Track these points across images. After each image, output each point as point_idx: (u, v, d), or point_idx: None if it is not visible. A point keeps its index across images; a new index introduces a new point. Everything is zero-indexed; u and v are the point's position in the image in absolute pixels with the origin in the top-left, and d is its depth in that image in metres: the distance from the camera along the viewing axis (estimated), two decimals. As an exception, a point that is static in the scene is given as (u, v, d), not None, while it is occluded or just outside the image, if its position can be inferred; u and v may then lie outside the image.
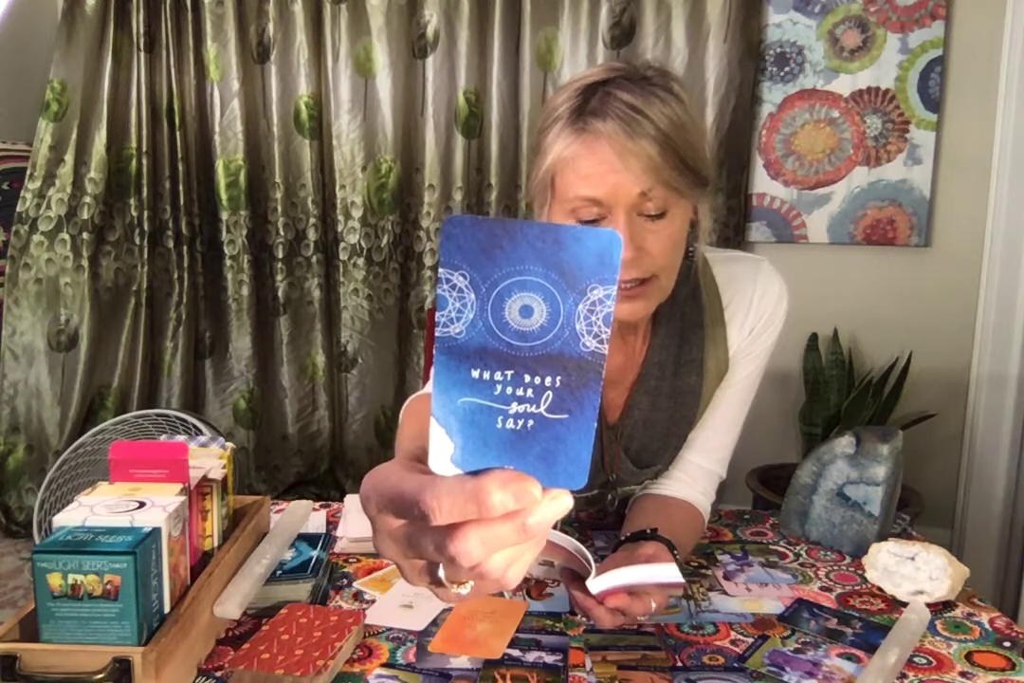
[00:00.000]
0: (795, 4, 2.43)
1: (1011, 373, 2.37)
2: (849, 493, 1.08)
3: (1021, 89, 2.30)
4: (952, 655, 0.83)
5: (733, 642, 0.86)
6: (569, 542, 0.75)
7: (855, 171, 2.46)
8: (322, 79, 2.62)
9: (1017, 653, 0.83)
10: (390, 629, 0.87)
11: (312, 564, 0.94)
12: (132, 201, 2.66)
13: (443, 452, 0.35)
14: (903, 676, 0.79)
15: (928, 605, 0.90)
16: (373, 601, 0.93)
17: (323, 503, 1.21)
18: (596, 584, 0.79)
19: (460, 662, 0.81)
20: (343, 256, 2.69)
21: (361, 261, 2.67)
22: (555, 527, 1.08)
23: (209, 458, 0.89)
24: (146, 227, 2.65)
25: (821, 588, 0.98)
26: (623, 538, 0.94)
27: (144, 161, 2.62)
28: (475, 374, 0.35)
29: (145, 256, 2.67)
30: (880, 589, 0.97)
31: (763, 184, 2.53)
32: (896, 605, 0.94)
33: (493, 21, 2.49)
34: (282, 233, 2.68)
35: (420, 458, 0.37)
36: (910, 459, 1.34)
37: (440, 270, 0.34)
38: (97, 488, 0.79)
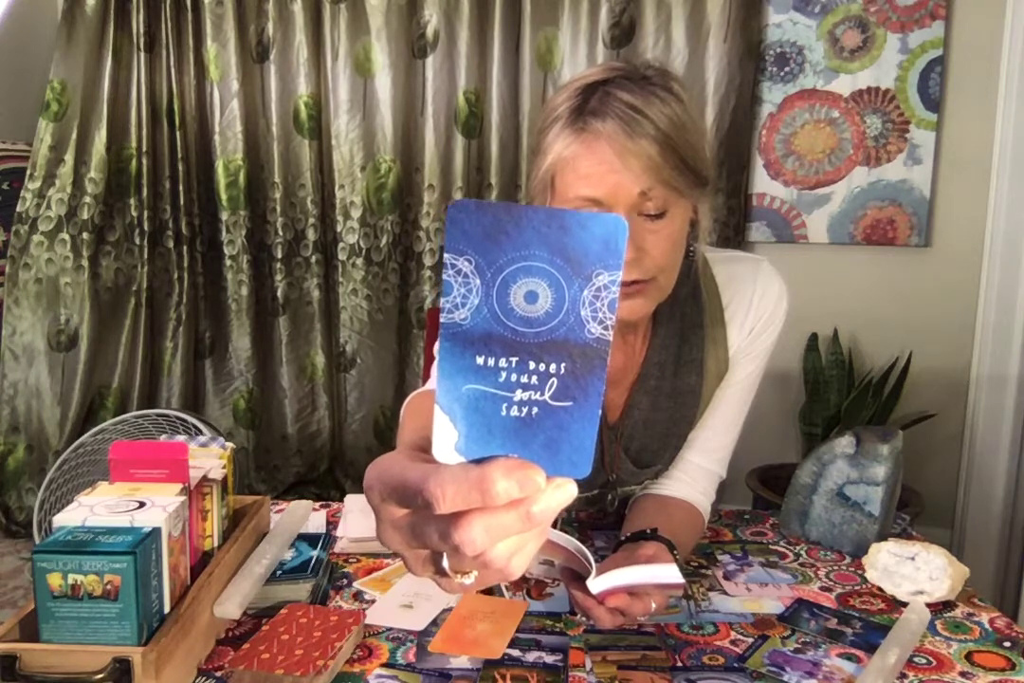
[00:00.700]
0: (795, 4, 2.43)
1: (1011, 373, 2.37)
2: (849, 493, 1.08)
3: (1021, 89, 2.30)
4: (952, 655, 0.83)
5: (733, 642, 0.86)
6: (569, 542, 0.75)
7: (855, 171, 2.46)
8: (321, 79, 2.62)
9: (1017, 653, 0.83)
10: (390, 629, 0.87)
11: (312, 564, 0.94)
12: (132, 201, 2.66)
13: (447, 440, 0.35)
14: (903, 676, 0.79)
15: (928, 605, 0.90)
16: (373, 601, 0.93)
17: (323, 503, 1.21)
18: (596, 584, 0.78)
19: (460, 662, 0.81)
20: (342, 256, 2.69)
21: (360, 261, 2.67)
22: (555, 527, 1.08)
23: (209, 458, 0.89)
24: (146, 227, 2.65)
25: (821, 588, 0.98)
26: (623, 538, 0.94)
27: (144, 161, 2.62)
28: (480, 361, 0.34)
29: (145, 256, 2.67)
30: (880, 589, 0.97)
31: (763, 184, 2.53)
32: (896, 605, 0.94)
33: (493, 21, 2.49)
34: (281, 233, 2.68)
35: (423, 448, 0.37)
36: (910, 459, 1.34)
37: (445, 255, 0.34)
38: (97, 488, 0.79)
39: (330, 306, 2.74)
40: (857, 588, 0.98)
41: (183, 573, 0.78)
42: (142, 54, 2.59)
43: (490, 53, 2.51)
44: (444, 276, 0.34)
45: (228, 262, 2.72)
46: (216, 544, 0.87)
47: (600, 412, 0.35)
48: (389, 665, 0.80)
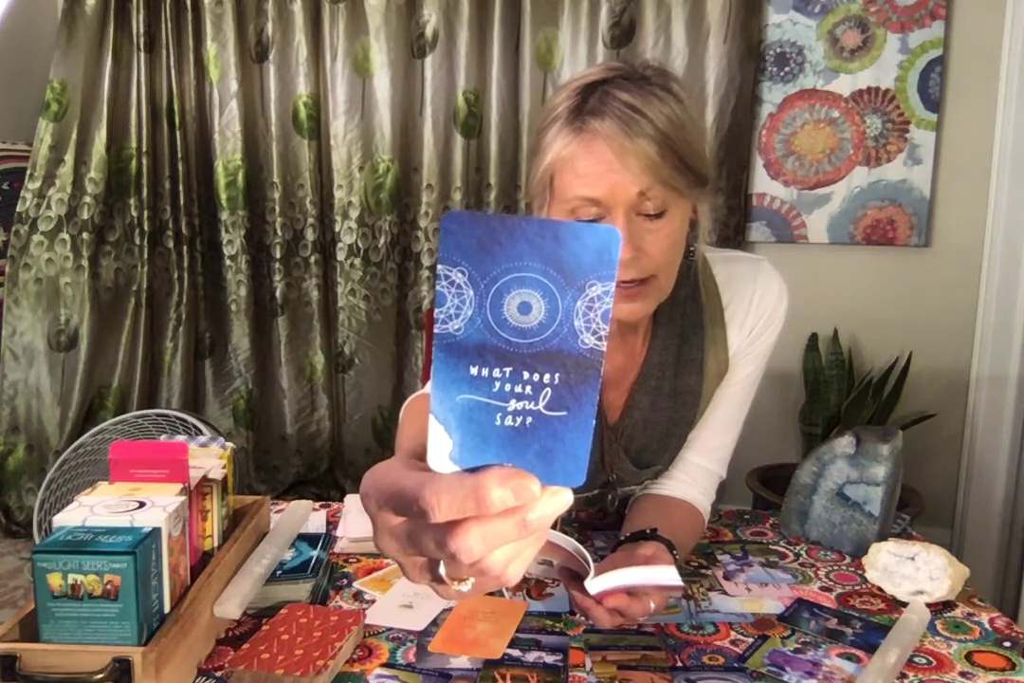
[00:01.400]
0: (795, 4, 2.43)
1: (1011, 373, 2.37)
2: (849, 493, 1.08)
3: (1021, 89, 2.30)
4: (952, 655, 0.83)
5: (733, 642, 0.85)
6: (568, 542, 0.75)
7: (855, 171, 2.46)
8: (320, 79, 2.62)
9: (1017, 653, 0.83)
10: (390, 629, 0.87)
11: (312, 564, 0.94)
12: (132, 201, 2.66)
13: (442, 449, 0.35)
14: (903, 676, 0.79)
15: (928, 605, 0.90)
16: (373, 601, 0.93)
17: (323, 503, 1.21)
18: (595, 585, 0.78)
19: (460, 662, 0.81)
20: (340, 256, 2.69)
21: (358, 261, 2.67)
22: (555, 527, 1.08)
23: (209, 458, 0.89)
24: (146, 227, 2.65)
25: (821, 588, 0.98)
26: (623, 538, 0.94)
27: (144, 161, 2.62)
28: (474, 371, 0.35)
29: (145, 256, 2.67)
30: (880, 589, 0.97)
31: (763, 184, 2.53)
32: (896, 605, 0.94)
33: (493, 21, 2.49)
34: (280, 233, 2.68)
35: (420, 456, 0.37)
36: (910, 459, 1.34)
37: (439, 266, 0.34)
38: (97, 488, 0.79)
39: (329, 306, 2.74)
40: (857, 588, 0.98)
41: (183, 573, 0.78)
42: (142, 54, 2.59)
43: (489, 53, 2.51)
44: (438, 287, 0.34)
45: (227, 262, 2.72)
46: (216, 544, 0.87)
47: (594, 422, 0.35)
48: (389, 665, 0.80)
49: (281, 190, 2.66)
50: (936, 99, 2.39)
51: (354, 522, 1.09)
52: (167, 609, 0.74)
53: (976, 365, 2.46)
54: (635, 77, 0.84)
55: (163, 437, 1.06)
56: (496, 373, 0.35)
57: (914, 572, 0.93)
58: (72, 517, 0.72)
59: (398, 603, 0.92)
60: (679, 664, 0.81)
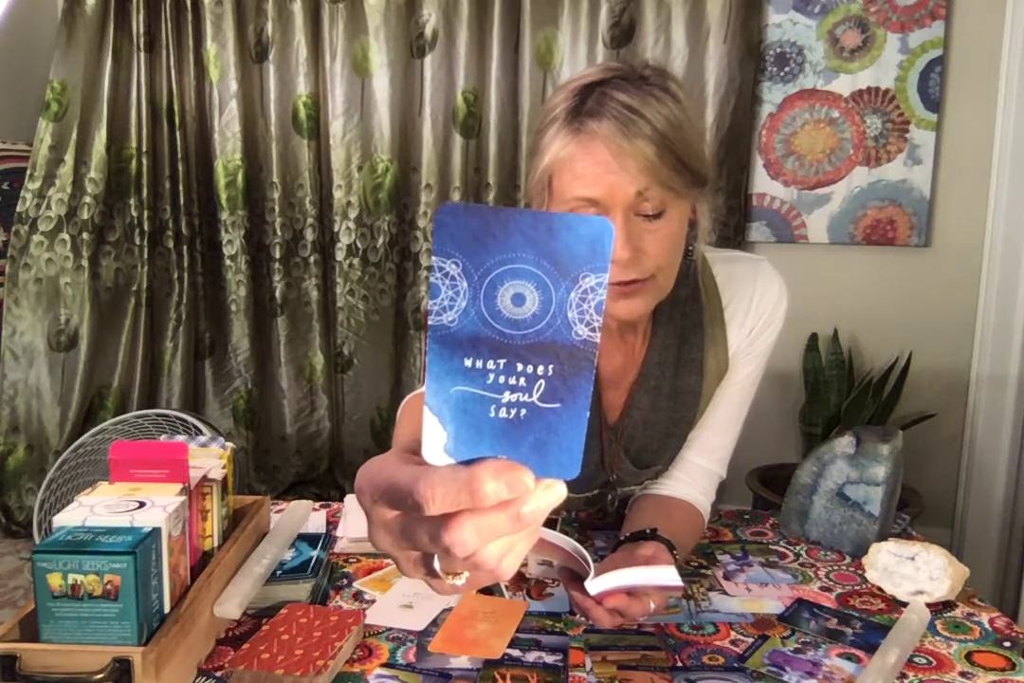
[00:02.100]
0: (795, 4, 2.43)
1: (1011, 373, 2.37)
2: (849, 493, 1.08)
3: (1021, 89, 2.30)
4: (952, 655, 0.83)
5: (733, 642, 0.85)
6: (567, 543, 0.75)
7: (855, 171, 2.46)
8: (320, 79, 2.62)
9: (1017, 653, 0.83)
10: (390, 629, 0.87)
11: (312, 564, 0.94)
12: (132, 201, 2.66)
13: (436, 441, 0.35)
14: (903, 676, 0.79)
15: (928, 605, 0.90)
16: (373, 601, 0.93)
17: (323, 503, 1.21)
18: (594, 585, 0.78)
19: (460, 662, 0.81)
20: (339, 256, 2.68)
21: (357, 262, 2.67)
22: (555, 527, 1.08)
23: (209, 458, 0.89)
24: (146, 227, 2.65)
25: (821, 588, 0.98)
26: (623, 538, 0.94)
27: (144, 161, 2.62)
28: (468, 363, 0.35)
29: (145, 256, 2.67)
30: (880, 589, 0.97)
31: (763, 184, 2.53)
32: (896, 605, 0.94)
33: (492, 20, 2.49)
34: (279, 233, 2.68)
35: (415, 451, 0.37)
36: (910, 459, 1.34)
37: (432, 258, 0.34)
38: (97, 488, 0.79)
39: (328, 306, 2.74)
40: (857, 588, 0.98)
41: (183, 573, 0.78)
42: (142, 54, 2.59)
43: (489, 53, 2.51)
44: (432, 279, 0.34)
45: (227, 262, 2.72)
46: (216, 544, 0.87)
47: (588, 414, 0.35)
48: (389, 665, 0.80)
49: (280, 190, 2.66)
50: (936, 99, 2.39)
51: (354, 522, 1.09)
52: (167, 609, 0.74)
53: (976, 365, 2.46)
54: (633, 78, 0.84)
55: (163, 437, 1.06)
56: (490, 365, 0.35)
57: (914, 572, 0.94)
58: (72, 517, 0.72)
59: (398, 603, 0.92)
60: (679, 664, 0.81)
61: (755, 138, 2.51)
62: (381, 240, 2.65)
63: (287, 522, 1.00)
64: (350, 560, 1.03)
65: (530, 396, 0.35)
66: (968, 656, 0.83)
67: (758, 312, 1.02)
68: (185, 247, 2.68)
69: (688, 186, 0.84)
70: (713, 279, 1.02)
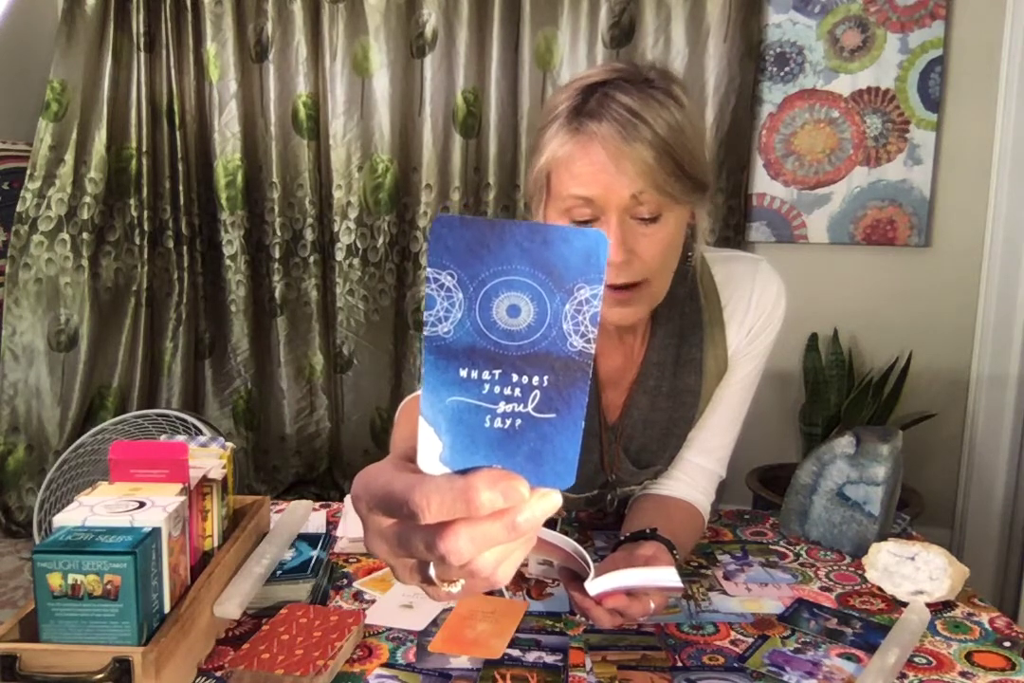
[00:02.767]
0: (795, 4, 2.43)
1: (1011, 373, 2.37)
2: (849, 493, 1.08)
3: (1021, 89, 2.30)
4: (952, 655, 0.83)
5: (733, 642, 0.85)
6: (567, 543, 0.75)
7: (855, 171, 2.46)
8: (320, 78, 2.62)
9: (1017, 653, 0.83)
10: (390, 629, 0.87)
11: (312, 564, 0.94)
12: (132, 201, 2.66)
13: (432, 451, 0.36)
14: (903, 676, 0.79)
15: (928, 605, 0.90)
16: (373, 601, 0.93)
17: (323, 503, 1.21)
18: (594, 586, 0.78)
19: (460, 662, 0.81)
20: (339, 256, 2.68)
21: (357, 262, 2.67)
22: (555, 527, 1.08)
23: (209, 458, 0.89)
24: (146, 227, 2.65)
25: (821, 588, 0.98)
26: (622, 538, 0.94)
27: (144, 161, 2.62)
28: (463, 373, 0.35)
29: (145, 256, 2.67)
30: (880, 589, 0.97)
31: (763, 184, 2.53)
32: (896, 605, 0.94)
33: (492, 20, 2.49)
34: (279, 233, 2.68)
35: (411, 458, 0.37)
36: (910, 459, 1.34)
37: (428, 270, 0.34)
38: (97, 488, 0.79)
39: (328, 307, 2.74)
40: (857, 588, 0.98)
41: (183, 573, 0.78)
42: (142, 54, 2.59)
43: (489, 52, 2.51)
44: (427, 290, 0.34)
45: (227, 262, 2.72)
46: (216, 544, 0.87)
47: (583, 424, 0.35)
48: (389, 665, 0.80)
49: (280, 190, 2.66)
50: (936, 99, 2.39)
51: (354, 522, 1.09)
52: (167, 609, 0.74)
53: (976, 365, 2.46)
54: (637, 80, 0.84)
55: (163, 437, 1.06)
56: (485, 375, 0.35)
57: (914, 572, 0.94)
58: (72, 517, 0.72)
59: (398, 603, 0.92)
60: (679, 664, 0.81)
61: (755, 138, 2.51)
62: (381, 240, 2.65)
63: (287, 522, 1.00)
64: (350, 560, 1.03)
65: (525, 406, 0.35)
66: (968, 656, 0.83)
67: (757, 312, 1.02)
68: (185, 247, 2.68)
69: (687, 192, 0.84)
70: (712, 279, 1.02)
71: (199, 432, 2.11)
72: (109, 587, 0.67)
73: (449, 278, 0.34)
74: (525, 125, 2.52)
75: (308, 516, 1.07)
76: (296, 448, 2.78)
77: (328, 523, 1.14)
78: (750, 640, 0.86)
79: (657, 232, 0.85)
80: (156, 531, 0.71)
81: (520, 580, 0.98)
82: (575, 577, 0.81)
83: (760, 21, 2.44)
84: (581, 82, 0.85)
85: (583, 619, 0.89)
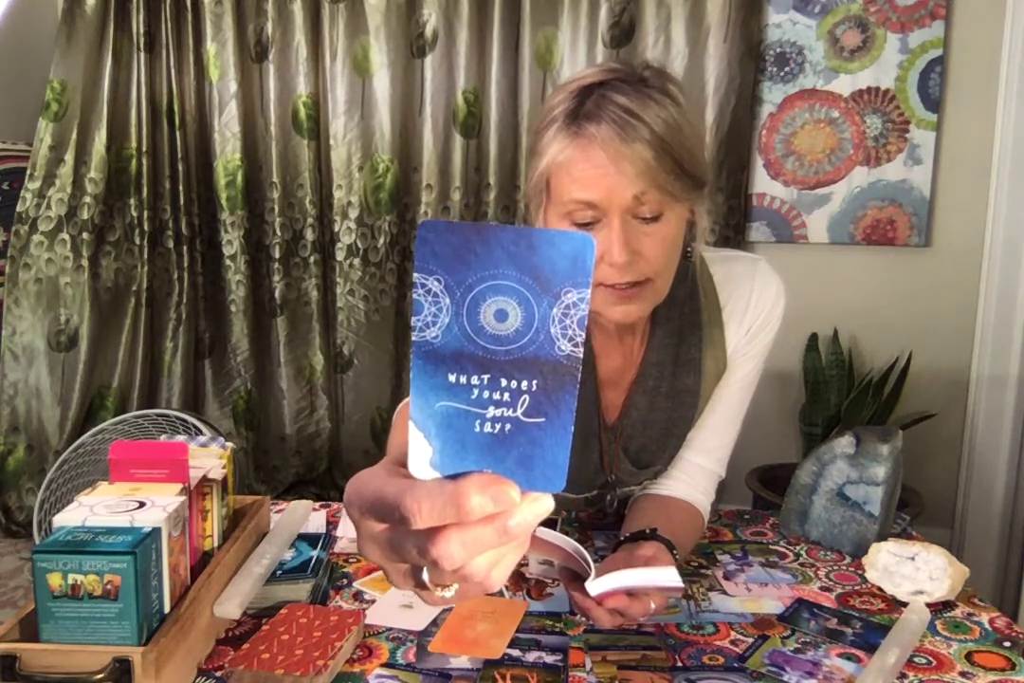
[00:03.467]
0: (795, 4, 2.43)
1: (1011, 373, 2.37)
2: (849, 493, 1.08)
3: (1021, 89, 2.30)
4: (952, 655, 0.83)
5: (733, 642, 0.85)
6: (567, 543, 0.75)
7: (855, 171, 2.46)
8: (320, 79, 2.62)
9: (1017, 653, 0.83)
10: (390, 629, 0.87)
11: (312, 564, 0.94)
12: (132, 201, 2.66)
13: (422, 456, 0.36)
14: (903, 676, 0.79)
15: (928, 605, 0.90)
16: (373, 601, 0.93)
17: (323, 503, 1.21)
18: (594, 586, 0.78)
19: (460, 662, 0.81)
20: (339, 256, 2.68)
21: (357, 262, 2.67)
22: (555, 527, 1.08)
23: (209, 458, 0.89)
24: (146, 227, 2.65)
25: (821, 588, 0.98)
26: (622, 538, 0.94)
27: (144, 161, 2.62)
28: (452, 378, 0.35)
29: (145, 256, 2.66)
30: (880, 589, 0.97)
31: (763, 184, 2.53)
32: (896, 605, 0.94)
33: (492, 20, 2.49)
34: (279, 233, 2.68)
35: (404, 463, 0.37)
36: (910, 459, 1.34)
37: (415, 275, 0.34)
38: (97, 488, 0.79)
39: (328, 307, 2.74)
40: (857, 588, 0.98)
41: (183, 573, 0.78)
42: (142, 54, 2.59)
43: (489, 52, 2.51)
44: (414, 295, 0.34)
45: (227, 262, 2.72)
46: (216, 544, 0.87)
47: (572, 428, 0.35)
48: (389, 665, 0.80)
49: (280, 190, 2.66)
50: (936, 99, 2.39)
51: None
52: (167, 609, 0.74)
53: (976, 365, 2.46)
54: (633, 79, 0.84)
55: (163, 437, 1.06)
56: (474, 380, 0.35)
57: (914, 572, 0.94)
58: (72, 517, 0.72)
59: (398, 603, 0.92)
60: (679, 664, 0.81)
61: (755, 138, 2.51)
62: (382, 240, 2.65)
63: (287, 522, 1.00)
64: (350, 560, 1.03)
65: (514, 411, 0.35)
66: (968, 656, 0.83)
67: (756, 311, 1.02)
68: (185, 247, 2.68)
69: (686, 190, 0.84)
70: (711, 279, 1.02)
71: (199, 432, 2.11)
72: (109, 587, 0.67)
73: (436, 283, 0.34)
74: (525, 125, 2.52)
75: (308, 516, 1.07)
76: (296, 448, 2.78)
77: (328, 523, 1.14)
78: (750, 640, 0.86)
79: (659, 231, 0.85)
80: (156, 531, 0.71)
81: (520, 580, 0.98)
82: (575, 577, 0.81)
83: (760, 21, 2.44)
84: (577, 83, 0.85)
85: (583, 619, 0.89)
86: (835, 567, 1.04)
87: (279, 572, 0.91)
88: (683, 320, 1.01)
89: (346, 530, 1.09)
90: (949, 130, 2.42)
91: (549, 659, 0.81)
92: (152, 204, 2.66)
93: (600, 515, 1.17)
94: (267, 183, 2.67)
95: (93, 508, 0.73)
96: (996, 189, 2.39)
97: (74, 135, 2.58)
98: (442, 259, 0.34)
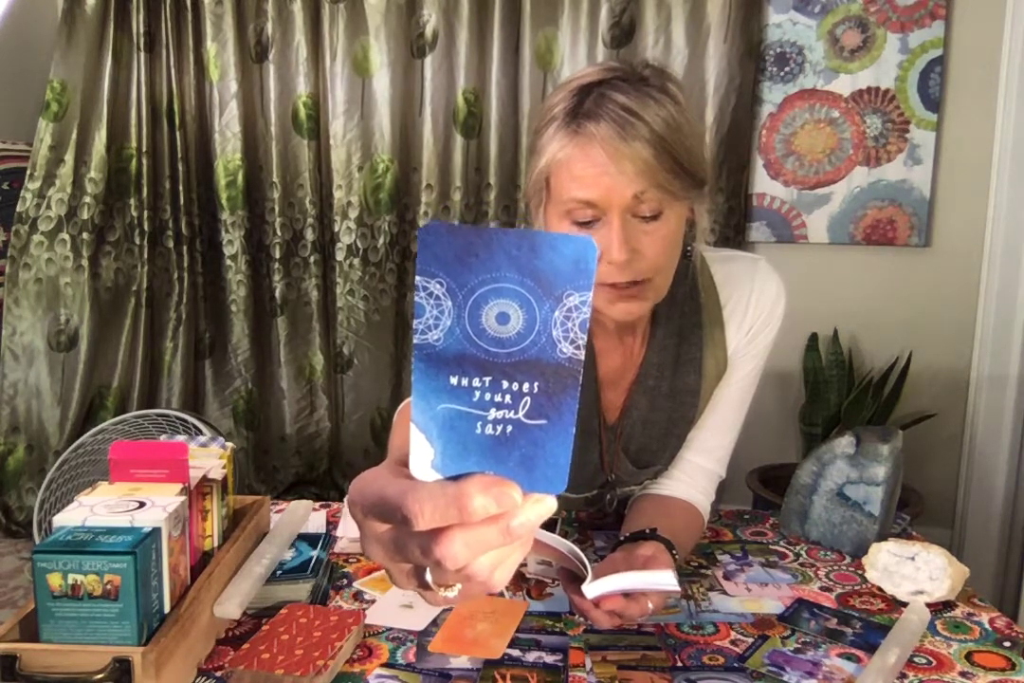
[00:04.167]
0: (795, 4, 2.43)
1: (1011, 373, 2.37)
2: (849, 493, 1.08)
3: (1021, 89, 2.30)
4: (952, 655, 0.83)
5: (733, 642, 0.85)
6: (564, 545, 0.75)
7: (855, 171, 2.46)
8: (320, 79, 2.62)
9: (1017, 653, 0.83)
10: (390, 629, 0.87)
11: (312, 564, 0.94)
12: (132, 201, 2.66)
13: (424, 458, 0.36)
14: (903, 676, 0.79)
15: (928, 605, 0.90)
16: (373, 601, 0.93)
17: (323, 503, 1.21)
18: (591, 590, 0.78)
19: (460, 662, 0.81)
20: (339, 256, 2.68)
21: (357, 262, 2.67)
22: (555, 528, 1.08)
23: (209, 458, 0.89)
24: (146, 227, 2.65)
25: (821, 588, 0.98)
26: (622, 538, 0.94)
27: (144, 161, 2.62)
28: (454, 381, 0.35)
29: (145, 256, 2.66)
30: (880, 589, 0.97)
31: (763, 184, 2.53)
32: (896, 605, 0.94)
33: (492, 20, 2.49)
34: (279, 233, 2.68)
35: (406, 463, 0.37)
36: (910, 459, 1.34)
37: (417, 278, 0.34)
38: (97, 488, 0.79)
39: (328, 307, 2.74)
40: (857, 588, 0.98)
41: (183, 573, 0.78)
42: (142, 54, 2.59)
43: (489, 52, 2.51)
44: (416, 298, 0.34)
45: (227, 262, 2.72)
46: (216, 544, 0.87)
47: (574, 430, 0.35)
48: (389, 665, 0.80)
49: (281, 190, 2.66)
50: (936, 99, 2.39)
51: (354, 522, 1.09)
52: (167, 609, 0.74)
53: (976, 365, 2.46)
54: (633, 78, 0.84)
55: (163, 437, 1.06)
56: (476, 383, 0.35)
57: (914, 572, 0.94)
58: (72, 517, 0.72)
59: (398, 603, 0.92)
60: (679, 664, 0.81)
61: (755, 138, 2.51)
62: (382, 240, 2.65)
63: (287, 522, 1.00)
64: (350, 560, 1.03)
65: (516, 413, 0.35)
66: (968, 656, 0.83)
67: (756, 311, 1.02)
68: (185, 247, 2.67)
69: (686, 188, 0.84)
70: (711, 279, 1.02)
71: (199, 432, 2.11)
72: (109, 587, 0.67)
73: (438, 286, 0.34)
74: (526, 125, 2.52)
75: (308, 516, 1.07)
76: (296, 448, 2.78)
77: (328, 523, 1.14)
78: (750, 640, 0.86)
79: (659, 229, 0.85)
80: (156, 531, 0.71)
81: (520, 580, 0.98)
82: (574, 578, 0.81)
83: (760, 21, 2.44)
84: (577, 82, 0.85)
85: (583, 619, 0.89)
86: (835, 567, 1.04)
87: (279, 572, 0.91)
88: (683, 320, 1.01)
89: (346, 530, 1.09)
90: (949, 130, 2.42)
91: (549, 659, 0.81)
92: (152, 204, 2.66)
93: (600, 515, 1.17)
94: (267, 183, 2.66)
95: (93, 508, 0.73)
96: (996, 189, 2.39)
97: (74, 135, 2.58)
98: (444, 262, 0.34)
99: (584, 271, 0.34)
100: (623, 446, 1.04)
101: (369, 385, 2.74)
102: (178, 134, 2.63)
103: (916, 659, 0.82)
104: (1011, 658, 0.82)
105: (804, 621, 0.90)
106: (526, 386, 0.35)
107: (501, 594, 0.94)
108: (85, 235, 2.61)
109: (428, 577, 0.39)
